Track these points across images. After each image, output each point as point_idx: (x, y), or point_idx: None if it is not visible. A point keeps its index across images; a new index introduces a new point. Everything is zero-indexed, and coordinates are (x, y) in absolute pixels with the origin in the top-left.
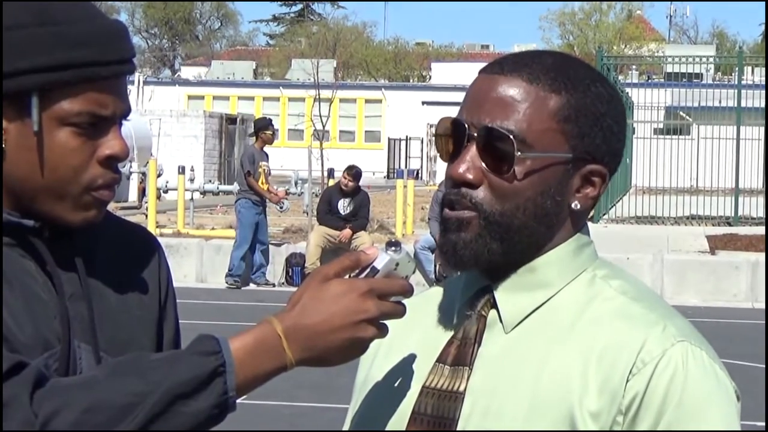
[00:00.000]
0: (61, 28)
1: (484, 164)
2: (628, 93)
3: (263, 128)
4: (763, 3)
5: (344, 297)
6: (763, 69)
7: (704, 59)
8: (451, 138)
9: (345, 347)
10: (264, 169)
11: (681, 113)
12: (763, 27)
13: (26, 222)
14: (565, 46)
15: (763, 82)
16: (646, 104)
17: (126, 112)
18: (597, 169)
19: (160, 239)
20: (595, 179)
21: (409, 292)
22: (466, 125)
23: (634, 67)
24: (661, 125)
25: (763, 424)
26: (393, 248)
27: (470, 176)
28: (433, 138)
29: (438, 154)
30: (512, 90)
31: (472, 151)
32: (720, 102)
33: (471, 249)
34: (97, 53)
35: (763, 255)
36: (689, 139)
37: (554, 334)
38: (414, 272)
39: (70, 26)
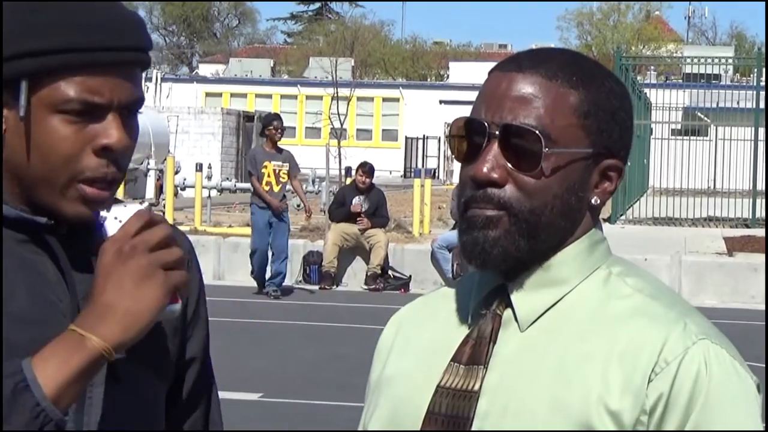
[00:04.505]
0: (51, 15)
1: (508, 163)
2: (646, 93)
3: (266, 125)
4: None
5: (118, 261)
6: None
7: (722, 60)
8: (469, 138)
9: (137, 288)
10: (274, 169)
11: (699, 114)
12: None
13: (39, 219)
14: (583, 46)
15: None
16: (664, 105)
17: (133, 102)
18: (614, 163)
19: None
20: (611, 174)
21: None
22: (486, 124)
23: (652, 67)
24: (678, 126)
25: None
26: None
27: (495, 175)
28: (448, 139)
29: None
30: (532, 87)
31: (494, 149)
32: (738, 103)
33: (500, 246)
34: (91, 40)
35: None
36: (707, 141)
37: (571, 332)
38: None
39: (62, 13)
